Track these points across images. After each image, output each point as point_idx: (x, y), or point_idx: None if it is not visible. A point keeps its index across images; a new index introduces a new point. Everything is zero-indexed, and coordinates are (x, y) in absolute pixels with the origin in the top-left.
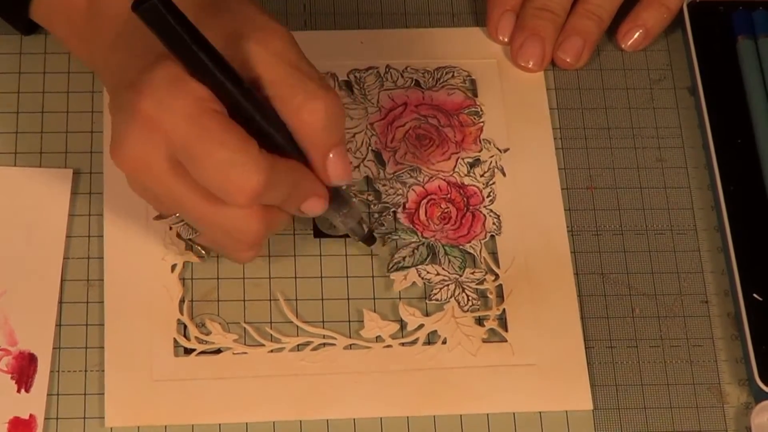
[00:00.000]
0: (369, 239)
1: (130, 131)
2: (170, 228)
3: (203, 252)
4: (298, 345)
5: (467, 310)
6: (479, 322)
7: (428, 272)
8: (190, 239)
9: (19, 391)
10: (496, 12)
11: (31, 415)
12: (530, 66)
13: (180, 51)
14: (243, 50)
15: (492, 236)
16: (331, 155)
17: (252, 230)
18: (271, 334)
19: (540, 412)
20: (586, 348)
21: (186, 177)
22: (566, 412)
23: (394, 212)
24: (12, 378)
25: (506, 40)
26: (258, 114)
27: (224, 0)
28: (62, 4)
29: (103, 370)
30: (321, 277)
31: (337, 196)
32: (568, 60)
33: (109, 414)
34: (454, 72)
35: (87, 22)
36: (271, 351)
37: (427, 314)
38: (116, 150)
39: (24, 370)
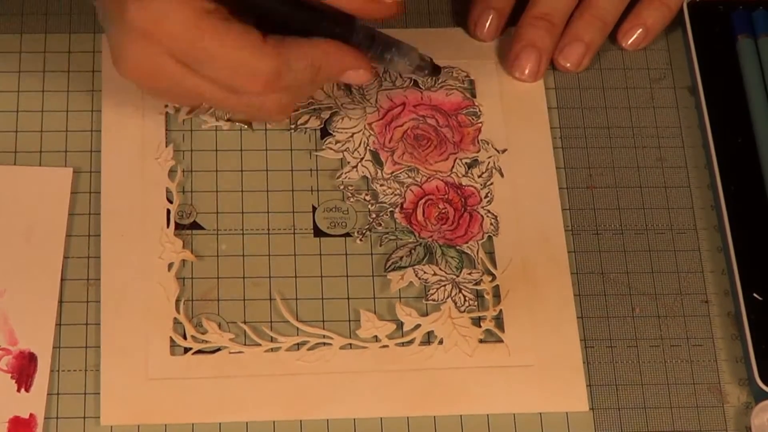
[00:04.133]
0: (435, 70)
1: (129, 43)
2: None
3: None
4: (295, 344)
5: (464, 311)
6: (476, 322)
7: (425, 272)
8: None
9: (19, 390)
10: (478, 8)
11: (31, 415)
12: (525, 77)
13: None
14: None
15: (489, 237)
16: None
17: (275, 107)
18: (270, 335)
19: (540, 413)
20: (586, 348)
21: (197, 72)
22: (566, 412)
23: (392, 212)
24: (12, 377)
25: (483, 37)
26: None
27: None
28: None
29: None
30: (321, 276)
31: (378, 44)
32: (568, 65)
33: (104, 412)
34: (452, 72)
35: None
36: (268, 350)
37: (424, 314)
38: (119, 61)
39: (24, 370)
